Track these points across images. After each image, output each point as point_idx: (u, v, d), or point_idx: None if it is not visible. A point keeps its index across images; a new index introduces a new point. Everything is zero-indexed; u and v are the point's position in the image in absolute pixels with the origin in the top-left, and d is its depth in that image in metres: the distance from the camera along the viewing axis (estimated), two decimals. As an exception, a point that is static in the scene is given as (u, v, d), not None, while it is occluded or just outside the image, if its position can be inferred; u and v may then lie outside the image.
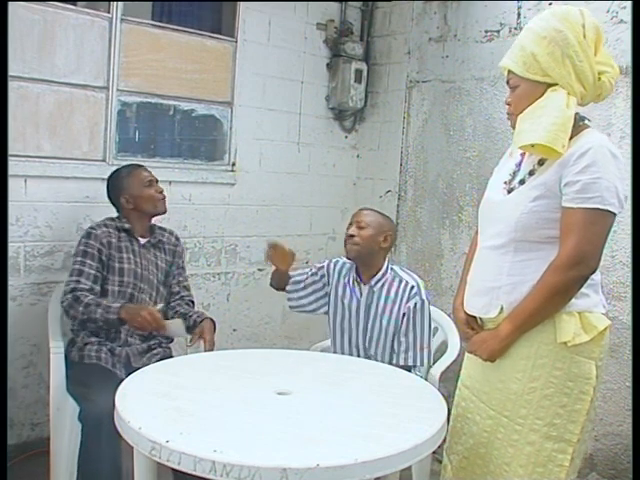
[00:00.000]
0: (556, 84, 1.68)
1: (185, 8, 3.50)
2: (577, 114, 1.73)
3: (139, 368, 2.05)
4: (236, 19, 3.44)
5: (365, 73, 3.83)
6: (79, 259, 2.46)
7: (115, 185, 2.64)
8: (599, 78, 1.68)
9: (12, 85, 2.69)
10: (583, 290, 1.68)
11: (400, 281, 2.50)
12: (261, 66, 3.54)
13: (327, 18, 3.79)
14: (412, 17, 3.71)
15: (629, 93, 2.73)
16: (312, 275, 2.65)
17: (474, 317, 1.88)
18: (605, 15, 2.83)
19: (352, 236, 2.48)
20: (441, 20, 3.56)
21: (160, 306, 2.46)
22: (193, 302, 2.76)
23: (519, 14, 3.17)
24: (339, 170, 3.96)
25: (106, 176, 2.99)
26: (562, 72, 1.67)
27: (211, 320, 2.60)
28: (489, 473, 1.81)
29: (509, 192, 1.78)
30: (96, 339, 2.42)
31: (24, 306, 2.84)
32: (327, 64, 3.83)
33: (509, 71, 1.76)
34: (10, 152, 2.37)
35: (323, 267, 2.65)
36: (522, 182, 1.76)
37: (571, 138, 1.68)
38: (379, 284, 2.51)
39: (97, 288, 2.45)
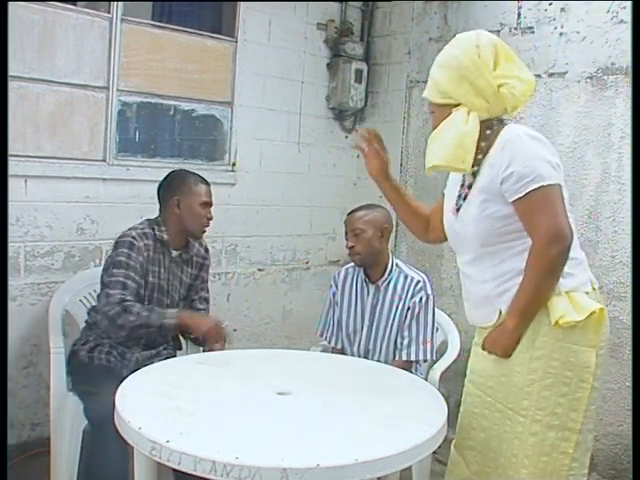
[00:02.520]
0: (459, 104, 1.80)
1: (185, 8, 3.51)
2: (494, 120, 1.82)
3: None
4: (236, 19, 3.44)
5: (365, 73, 3.83)
6: (122, 271, 2.30)
7: (175, 185, 2.49)
8: (498, 90, 1.78)
9: (12, 85, 2.69)
10: (568, 270, 1.73)
11: (406, 277, 2.53)
12: (261, 66, 3.54)
13: (327, 18, 3.79)
14: (412, 17, 3.71)
15: (629, 93, 2.74)
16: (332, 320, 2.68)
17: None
18: (605, 15, 2.83)
19: (352, 247, 2.51)
20: (441, 20, 3.56)
21: (226, 324, 2.35)
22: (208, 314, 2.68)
23: (519, 14, 3.17)
24: (339, 170, 3.96)
25: (106, 176, 3.01)
26: (461, 92, 1.79)
27: None
28: (500, 466, 1.83)
29: (457, 210, 1.89)
30: (108, 341, 2.41)
31: (24, 306, 2.84)
32: (327, 64, 3.83)
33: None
34: (10, 152, 2.37)
35: (332, 289, 2.68)
36: (465, 197, 1.86)
37: (493, 141, 1.78)
38: (385, 283, 2.54)
39: (138, 300, 2.34)
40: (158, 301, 2.45)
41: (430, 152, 1.82)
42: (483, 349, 1.87)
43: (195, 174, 2.56)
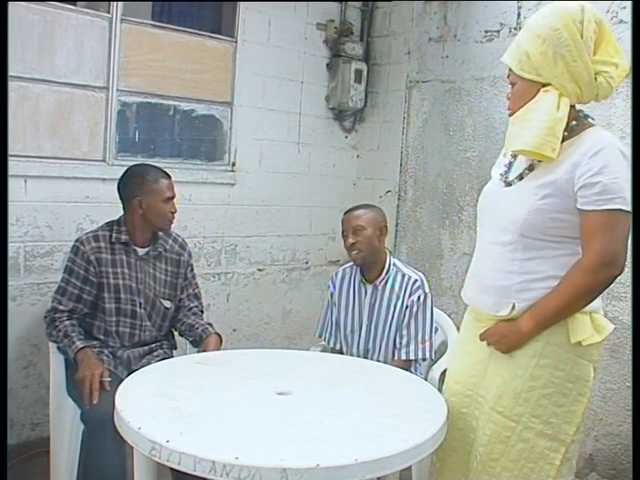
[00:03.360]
0: (549, 84, 1.67)
1: (185, 8, 3.51)
2: (580, 112, 1.73)
3: (140, 370, 2.04)
4: (236, 19, 3.44)
5: (365, 73, 3.83)
6: (65, 276, 2.39)
7: (134, 184, 2.42)
8: (596, 78, 1.65)
9: (12, 85, 2.69)
10: None
11: (403, 276, 2.52)
12: (261, 66, 3.54)
13: (327, 18, 3.79)
14: (412, 17, 3.71)
15: (629, 93, 2.73)
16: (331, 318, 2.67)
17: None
18: (605, 15, 2.83)
19: (353, 244, 2.48)
20: (441, 20, 3.56)
21: (108, 379, 2.19)
22: (202, 311, 2.66)
23: (519, 14, 3.17)
24: (339, 170, 3.96)
25: (106, 176, 3.00)
26: (555, 72, 1.65)
27: (217, 335, 2.50)
28: (472, 470, 1.80)
29: (507, 185, 1.78)
30: (97, 342, 2.41)
31: (24, 306, 2.84)
32: (327, 64, 3.83)
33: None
34: (10, 152, 2.37)
35: (329, 290, 2.67)
36: (521, 177, 1.75)
37: (575, 136, 1.68)
38: (383, 282, 2.53)
39: (80, 307, 2.37)
40: (129, 301, 2.42)
41: (516, 135, 1.68)
42: (482, 339, 1.81)
43: (154, 168, 2.47)
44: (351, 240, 2.49)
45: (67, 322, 2.34)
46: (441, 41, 3.56)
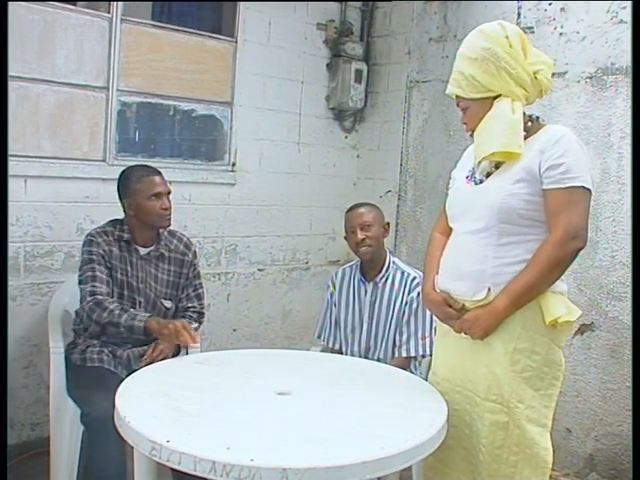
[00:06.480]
0: (499, 95, 1.81)
1: (185, 8, 3.51)
2: (531, 115, 1.87)
3: (140, 370, 2.04)
4: (236, 19, 3.44)
5: (365, 73, 3.83)
6: (89, 266, 2.38)
7: (123, 185, 2.47)
8: (535, 77, 1.83)
9: (12, 85, 2.69)
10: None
11: (402, 273, 2.54)
12: (261, 66, 3.54)
13: (327, 18, 3.79)
14: (412, 17, 3.71)
15: (629, 93, 2.74)
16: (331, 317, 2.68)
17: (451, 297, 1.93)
18: (605, 15, 2.83)
19: (363, 240, 2.49)
20: (441, 20, 3.56)
21: (195, 325, 2.28)
22: (202, 312, 2.64)
23: (519, 14, 3.17)
24: (339, 170, 3.96)
25: (106, 176, 3.01)
26: (501, 83, 1.80)
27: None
28: (480, 463, 1.83)
29: (478, 183, 1.87)
30: (98, 341, 2.41)
31: (24, 306, 2.84)
32: (327, 64, 3.83)
33: (457, 95, 1.88)
34: (10, 152, 2.36)
35: (329, 290, 2.68)
36: (488, 174, 1.86)
37: (533, 134, 1.82)
38: (383, 279, 2.54)
39: (110, 292, 2.38)
40: (130, 298, 2.44)
41: (484, 142, 1.81)
42: (457, 330, 1.85)
43: (140, 167, 2.50)
44: (360, 236, 2.50)
45: (116, 303, 2.32)
46: (441, 41, 3.56)
